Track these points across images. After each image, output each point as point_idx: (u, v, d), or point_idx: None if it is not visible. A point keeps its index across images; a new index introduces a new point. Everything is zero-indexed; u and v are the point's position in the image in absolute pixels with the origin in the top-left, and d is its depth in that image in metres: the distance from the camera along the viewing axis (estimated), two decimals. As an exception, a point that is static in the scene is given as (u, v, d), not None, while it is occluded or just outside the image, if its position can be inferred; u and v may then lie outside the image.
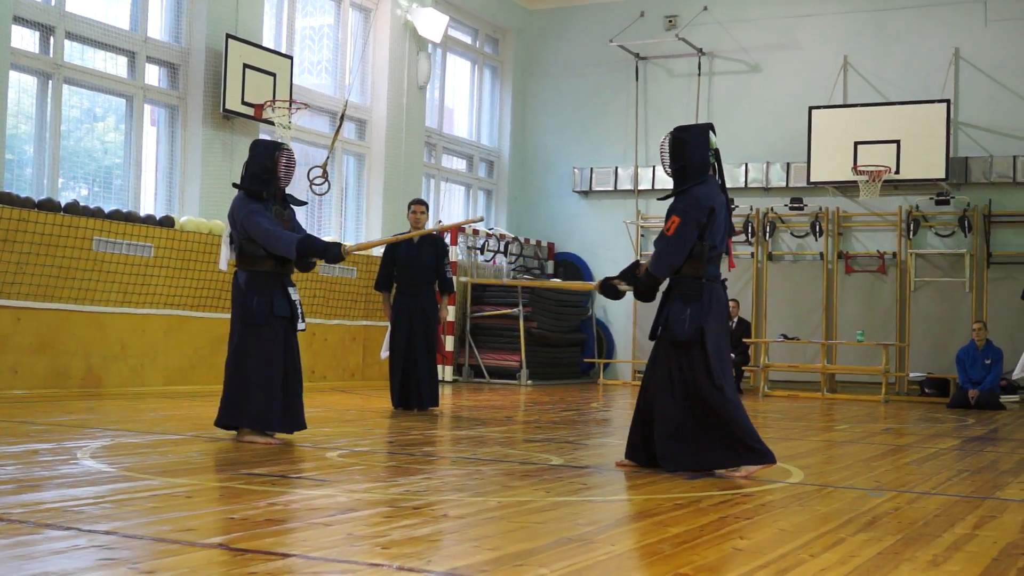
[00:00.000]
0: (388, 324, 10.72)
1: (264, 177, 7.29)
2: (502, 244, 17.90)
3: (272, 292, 7.27)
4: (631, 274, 6.48)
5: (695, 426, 6.08)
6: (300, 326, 7.40)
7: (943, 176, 15.98)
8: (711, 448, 6.06)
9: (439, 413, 10.39)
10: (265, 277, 7.28)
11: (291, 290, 7.40)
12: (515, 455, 6.97)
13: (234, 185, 7.51)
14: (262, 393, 7.16)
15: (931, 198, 16.62)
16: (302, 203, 7.77)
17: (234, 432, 7.33)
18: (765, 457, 6.05)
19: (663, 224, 6.27)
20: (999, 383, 14.27)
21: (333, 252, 7.28)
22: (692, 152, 6.24)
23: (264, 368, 7.17)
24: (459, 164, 18.83)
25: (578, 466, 6.44)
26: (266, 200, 7.33)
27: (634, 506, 5.03)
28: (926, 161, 15.99)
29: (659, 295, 6.45)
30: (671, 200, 6.30)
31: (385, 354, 10.69)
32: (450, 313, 15.00)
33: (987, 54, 16.58)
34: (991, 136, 16.35)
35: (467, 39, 18.89)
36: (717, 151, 6.32)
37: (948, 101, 16.21)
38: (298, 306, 7.42)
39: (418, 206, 10.79)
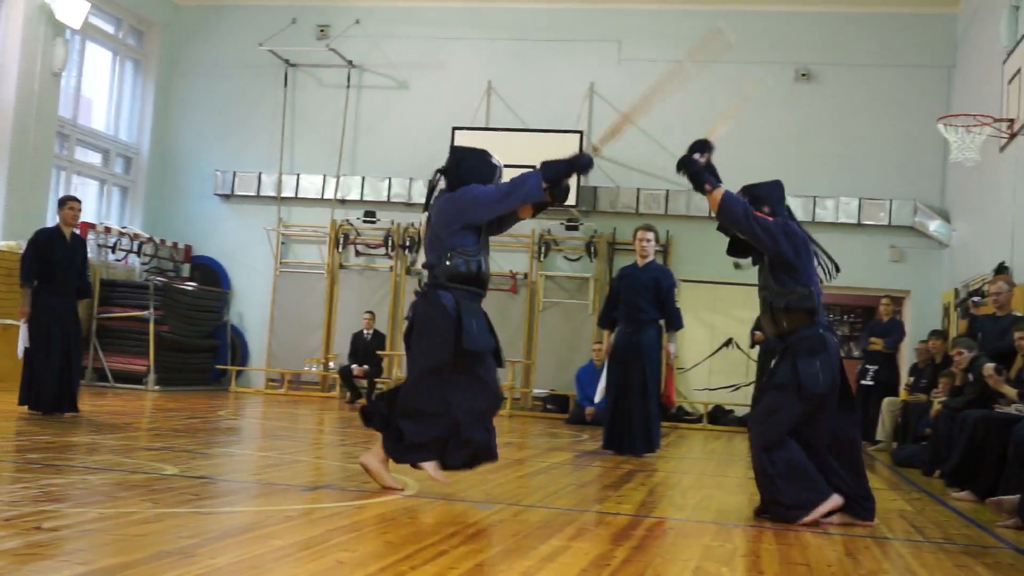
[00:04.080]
0: (24, 321, 10.24)
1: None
2: (136, 244, 17.24)
3: (484, 317, 6.23)
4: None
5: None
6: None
7: (574, 203, 16.79)
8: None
9: (79, 417, 10.00)
10: (474, 298, 6.21)
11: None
12: (127, 464, 6.71)
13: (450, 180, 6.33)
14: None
15: (562, 223, 17.41)
16: None
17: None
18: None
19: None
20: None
21: (584, 159, 6.29)
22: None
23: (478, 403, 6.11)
24: (94, 158, 17.96)
25: (193, 476, 6.28)
26: None
27: (244, 518, 4.95)
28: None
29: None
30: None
31: (23, 349, 10.15)
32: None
33: (618, 91, 17.57)
34: (618, 168, 17.33)
35: (109, 28, 18.08)
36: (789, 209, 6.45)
37: (582, 132, 17.05)
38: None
39: (75, 203, 10.51)
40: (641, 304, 9.84)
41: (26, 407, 10.15)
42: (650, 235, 10.05)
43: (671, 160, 18.30)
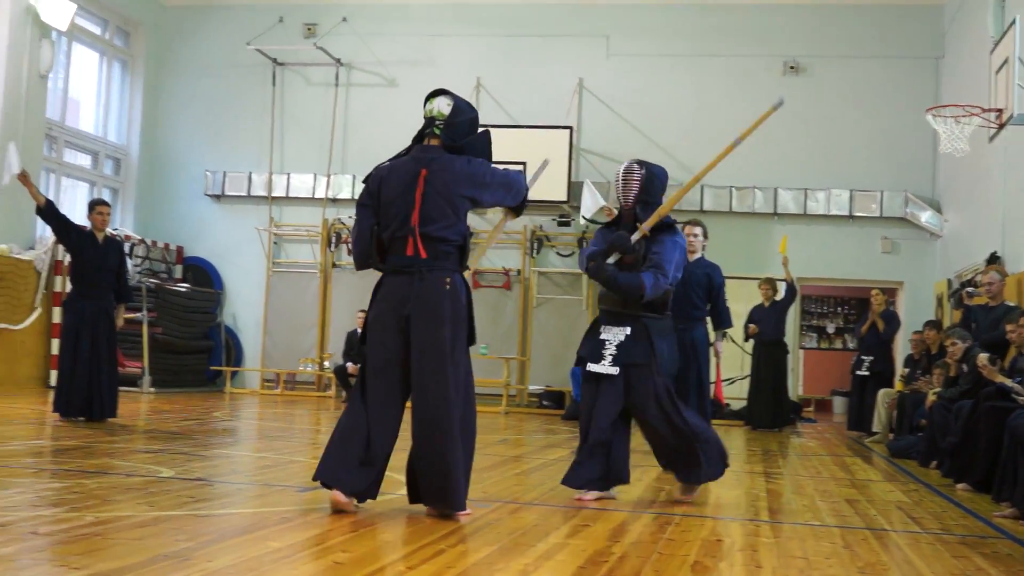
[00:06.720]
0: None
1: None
2: (128, 246, 17.19)
3: None
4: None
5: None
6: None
7: (565, 199, 16.79)
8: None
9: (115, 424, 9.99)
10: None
11: None
12: (123, 467, 6.69)
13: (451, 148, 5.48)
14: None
15: (554, 219, 17.40)
16: None
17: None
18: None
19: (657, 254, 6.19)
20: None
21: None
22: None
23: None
24: (83, 160, 17.90)
25: (189, 478, 6.26)
26: None
27: (241, 520, 4.94)
28: (550, 184, 16.72)
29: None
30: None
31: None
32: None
33: (607, 86, 17.58)
34: (608, 163, 17.31)
35: (96, 29, 18.02)
36: None
37: (571, 128, 17.06)
38: None
39: (103, 207, 10.53)
40: (694, 300, 9.61)
41: (58, 414, 10.06)
42: (697, 230, 9.72)
43: (660, 154, 18.35)
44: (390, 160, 5.56)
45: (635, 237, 6.21)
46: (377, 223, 5.42)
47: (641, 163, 6.38)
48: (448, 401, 5.20)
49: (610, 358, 6.18)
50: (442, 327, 5.25)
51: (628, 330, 6.21)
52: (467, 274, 5.63)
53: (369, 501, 5.33)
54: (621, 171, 6.35)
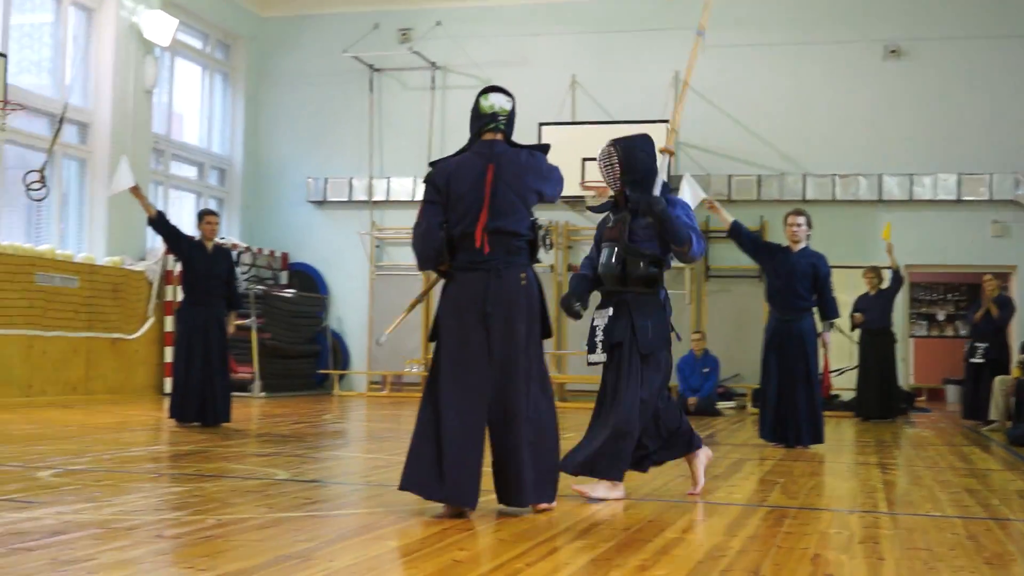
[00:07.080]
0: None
1: None
2: (235, 254, 17.51)
3: None
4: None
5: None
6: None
7: (665, 192, 16.66)
8: None
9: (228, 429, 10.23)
10: None
11: None
12: (240, 470, 6.82)
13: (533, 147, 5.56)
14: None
15: (654, 214, 17.29)
16: None
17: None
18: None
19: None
20: (716, 390, 15.01)
21: None
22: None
23: None
24: (189, 171, 18.30)
25: (304, 480, 6.36)
26: None
27: (358, 520, 5.00)
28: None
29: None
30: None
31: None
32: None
33: (704, 78, 17.32)
34: (708, 156, 17.19)
35: (197, 44, 18.39)
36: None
37: (667, 122, 16.91)
38: None
39: (212, 217, 10.84)
40: (800, 291, 9.48)
41: (174, 420, 10.38)
42: (800, 219, 9.61)
43: (761, 145, 18.16)
44: (452, 156, 5.51)
45: (661, 163, 6.10)
46: (446, 220, 5.34)
47: (616, 143, 6.11)
48: (518, 396, 5.22)
49: (600, 344, 6.05)
50: (519, 323, 5.27)
51: (610, 311, 6.07)
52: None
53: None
54: (599, 159, 6.13)
